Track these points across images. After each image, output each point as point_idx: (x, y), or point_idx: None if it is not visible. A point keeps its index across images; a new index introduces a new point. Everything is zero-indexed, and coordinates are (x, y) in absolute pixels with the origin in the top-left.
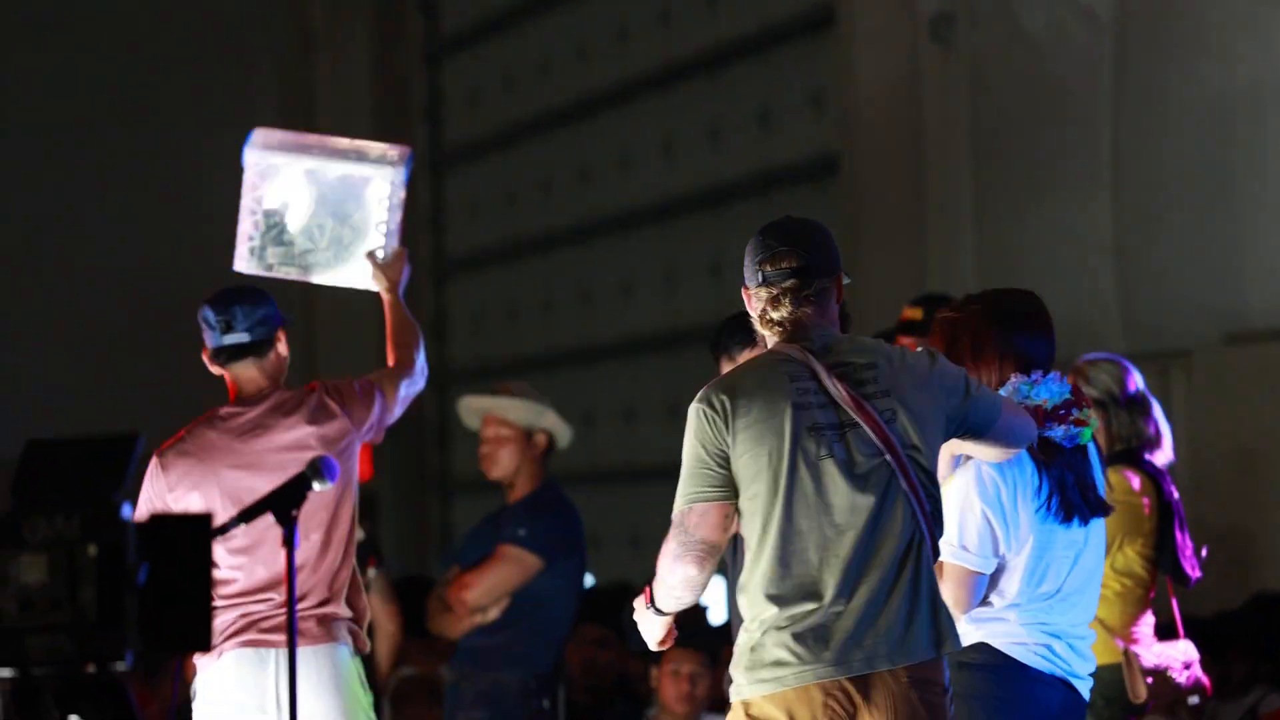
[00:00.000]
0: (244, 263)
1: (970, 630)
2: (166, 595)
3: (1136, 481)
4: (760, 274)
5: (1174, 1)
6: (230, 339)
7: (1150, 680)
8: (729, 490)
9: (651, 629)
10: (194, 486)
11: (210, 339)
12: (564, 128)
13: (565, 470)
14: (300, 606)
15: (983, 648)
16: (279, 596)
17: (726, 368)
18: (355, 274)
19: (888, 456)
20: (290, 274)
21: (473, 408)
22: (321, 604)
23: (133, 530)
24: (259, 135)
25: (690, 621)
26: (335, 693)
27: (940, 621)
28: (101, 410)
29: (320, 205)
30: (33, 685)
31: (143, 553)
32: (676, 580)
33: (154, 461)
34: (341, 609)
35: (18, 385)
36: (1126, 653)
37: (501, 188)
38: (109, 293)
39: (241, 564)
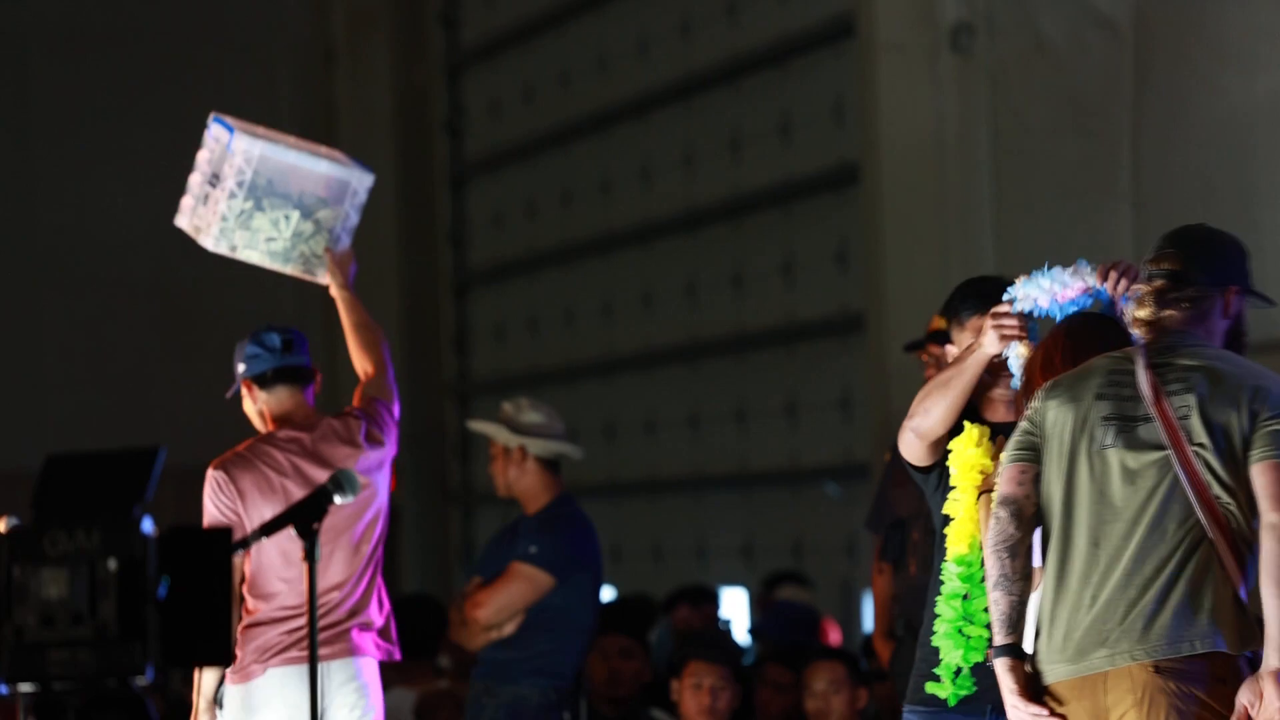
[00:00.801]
0: (211, 241)
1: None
2: (187, 609)
3: None
4: (1143, 271)
5: (1194, 12)
6: (291, 360)
7: None
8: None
9: None
10: (265, 501)
11: (265, 362)
12: (584, 140)
13: (586, 482)
14: (352, 620)
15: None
16: (328, 610)
17: (955, 333)
18: (309, 267)
19: (1171, 452)
20: (250, 258)
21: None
22: (368, 616)
23: (153, 544)
24: (239, 124)
25: (711, 635)
26: (380, 706)
27: (1207, 618)
28: (125, 424)
29: (290, 198)
30: (54, 700)
31: (163, 566)
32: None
33: (217, 475)
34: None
35: (42, 399)
36: None
37: (522, 200)
38: (134, 306)
39: (291, 578)
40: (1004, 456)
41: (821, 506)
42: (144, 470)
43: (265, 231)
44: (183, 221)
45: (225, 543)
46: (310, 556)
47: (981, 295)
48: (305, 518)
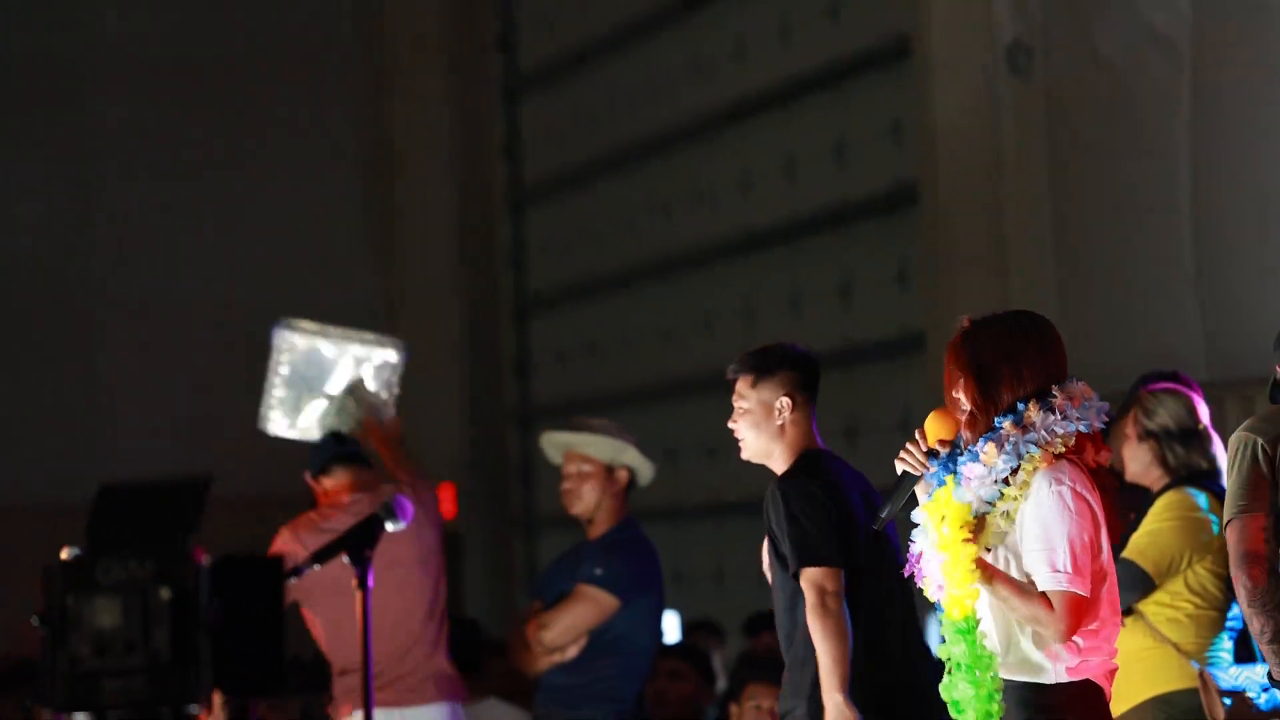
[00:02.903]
0: (274, 425)
1: (1069, 664)
2: (240, 637)
3: (1204, 499)
4: None
5: (1252, 28)
6: (347, 449)
7: (1229, 703)
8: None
9: None
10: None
11: (325, 453)
12: (642, 163)
13: (648, 506)
14: (428, 665)
15: (1088, 684)
16: (405, 657)
17: None
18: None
19: None
20: (310, 435)
21: (554, 442)
22: (439, 660)
23: (206, 572)
24: (292, 324)
25: (770, 657)
26: None
27: None
28: (186, 454)
29: (335, 380)
30: None
31: (216, 594)
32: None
33: (286, 535)
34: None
35: (103, 430)
36: (1202, 675)
37: (581, 224)
38: (194, 335)
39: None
40: (1232, 507)
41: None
42: (196, 499)
43: (318, 411)
44: (262, 416)
45: (277, 571)
46: (362, 584)
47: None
48: (358, 544)
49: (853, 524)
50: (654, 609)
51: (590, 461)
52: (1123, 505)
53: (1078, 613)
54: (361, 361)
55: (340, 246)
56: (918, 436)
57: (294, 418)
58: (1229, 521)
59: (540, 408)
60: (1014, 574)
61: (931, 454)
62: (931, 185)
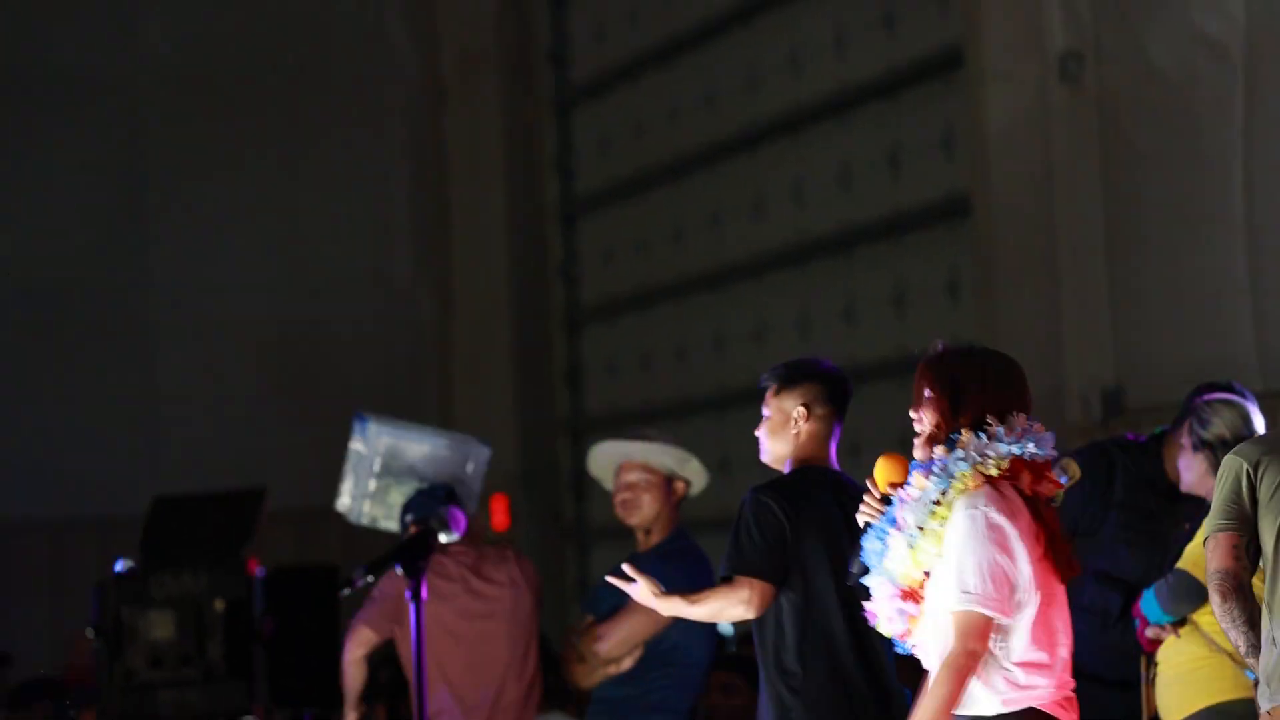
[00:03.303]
0: (355, 515)
1: (1005, 694)
2: (294, 649)
3: None
4: None
5: None
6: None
7: None
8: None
9: None
10: (436, 601)
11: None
12: (694, 174)
13: (700, 517)
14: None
15: (1030, 712)
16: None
17: None
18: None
19: None
20: (389, 526)
21: (612, 452)
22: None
23: (260, 584)
24: (375, 419)
25: None
26: None
27: None
28: (241, 469)
29: (417, 476)
30: None
31: (269, 607)
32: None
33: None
34: None
35: (159, 445)
36: (1258, 684)
37: (633, 236)
38: (249, 351)
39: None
40: (1210, 524)
41: None
42: (249, 511)
43: (399, 504)
44: (339, 504)
45: (331, 583)
46: (415, 596)
47: None
48: (411, 556)
49: (814, 544)
50: (709, 623)
51: (652, 471)
52: (1177, 515)
53: (983, 633)
54: (451, 459)
55: (393, 260)
56: (869, 485)
57: (373, 510)
58: (1205, 538)
59: (592, 419)
60: (941, 595)
61: (885, 500)
62: (984, 195)
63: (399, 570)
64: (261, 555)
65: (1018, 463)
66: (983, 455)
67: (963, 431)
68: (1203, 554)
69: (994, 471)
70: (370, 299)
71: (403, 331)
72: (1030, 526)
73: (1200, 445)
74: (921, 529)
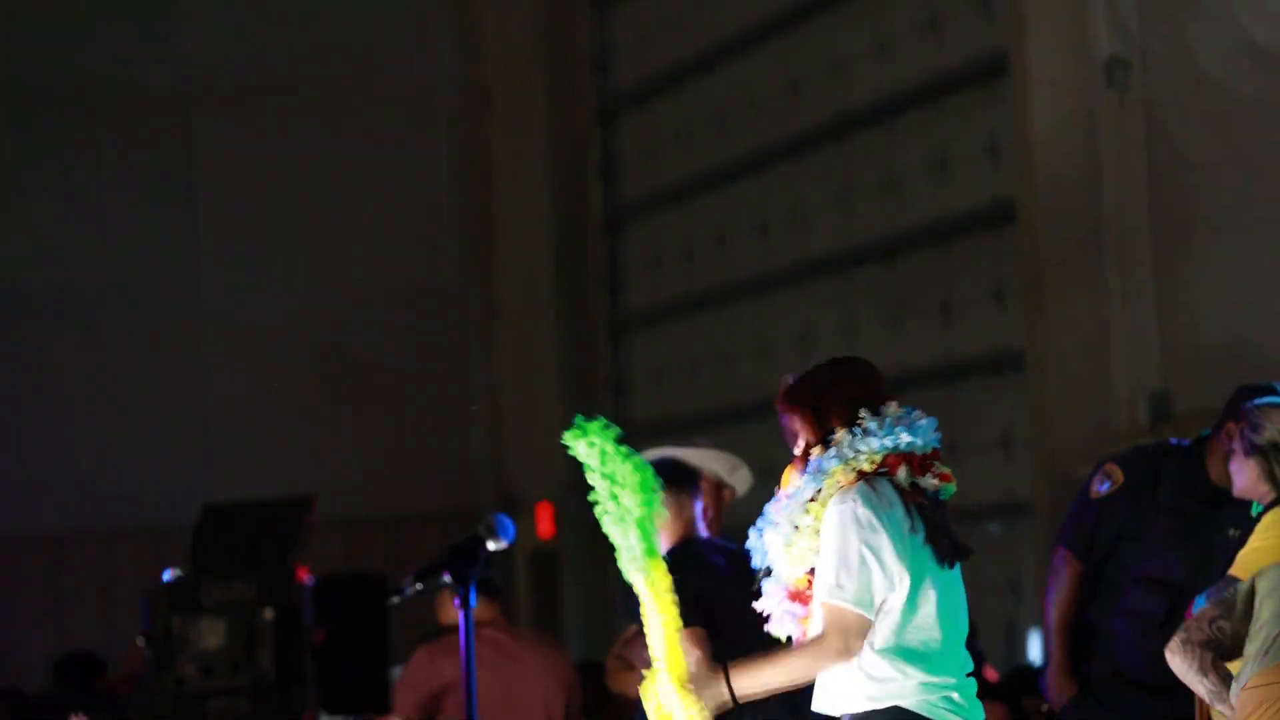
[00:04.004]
0: None
1: (869, 690)
2: (343, 656)
3: None
4: None
5: None
6: (487, 573)
7: None
8: None
9: None
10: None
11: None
12: (739, 181)
13: (746, 522)
14: None
15: (895, 711)
16: None
17: None
18: None
19: None
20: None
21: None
22: None
23: (309, 592)
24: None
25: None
26: None
27: None
28: (291, 477)
29: None
30: None
31: (319, 615)
32: None
33: (420, 655)
34: None
35: (208, 454)
36: None
37: (678, 243)
38: (299, 359)
39: None
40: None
41: (984, 546)
42: (298, 519)
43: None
44: None
45: (380, 590)
46: (465, 604)
47: None
48: (460, 563)
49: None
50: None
51: (703, 478)
52: (1220, 519)
53: (859, 631)
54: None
55: (438, 267)
56: (777, 490)
57: None
58: None
59: (637, 426)
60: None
61: None
62: (1029, 202)
63: (446, 578)
64: (309, 563)
65: (892, 457)
66: (855, 451)
67: (837, 430)
68: (1255, 559)
69: (867, 467)
70: (416, 307)
71: (448, 339)
72: (905, 519)
73: (1253, 450)
74: (796, 527)
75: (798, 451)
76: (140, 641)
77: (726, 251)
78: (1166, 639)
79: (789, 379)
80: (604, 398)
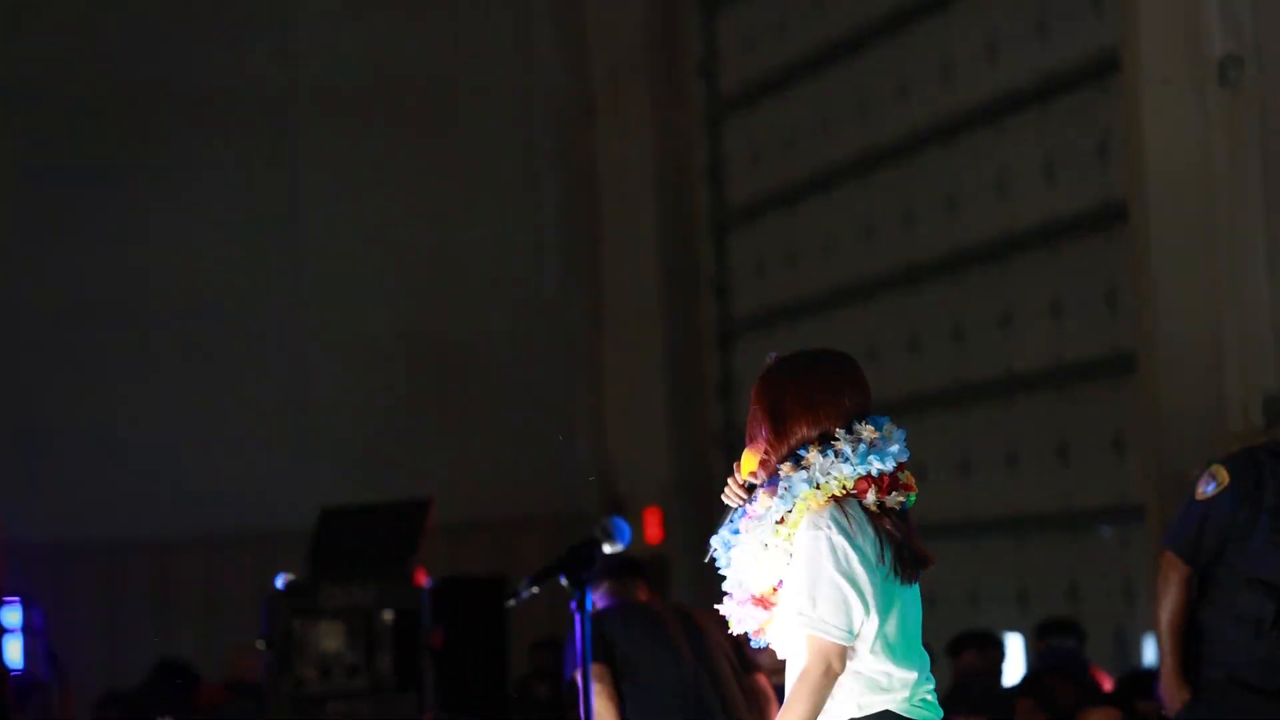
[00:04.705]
0: None
1: (861, 700)
2: (462, 659)
3: None
4: None
5: None
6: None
7: None
8: None
9: None
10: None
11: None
12: (845, 184)
13: None
14: None
15: (886, 715)
16: None
17: None
18: None
19: None
20: None
21: None
22: None
23: (428, 595)
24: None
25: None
26: None
27: None
28: (394, 480)
29: None
30: None
31: (438, 617)
32: None
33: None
34: None
35: (312, 458)
36: None
37: (784, 246)
38: (395, 359)
39: None
40: None
41: (1095, 549)
42: (416, 522)
43: None
44: None
45: (498, 593)
46: (581, 607)
47: None
48: (575, 567)
49: None
50: None
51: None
52: None
53: (839, 654)
54: None
55: (542, 272)
56: (735, 470)
57: None
58: None
59: (745, 431)
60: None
61: (749, 488)
62: (1141, 202)
63: (563, 581)
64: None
65: (861, 481)
66: (826, 475)
67: (810, 448)
68: None
69: (838, 492)
70: (520, 312)
71: (553, 344)
72: (875, 543)
73: None
74: (765, 545)
75: (756, 452)
76: (260, 644)
77: (833, 255)
78: (1277, 642)
79: (772, 357)
80: (711, 403)
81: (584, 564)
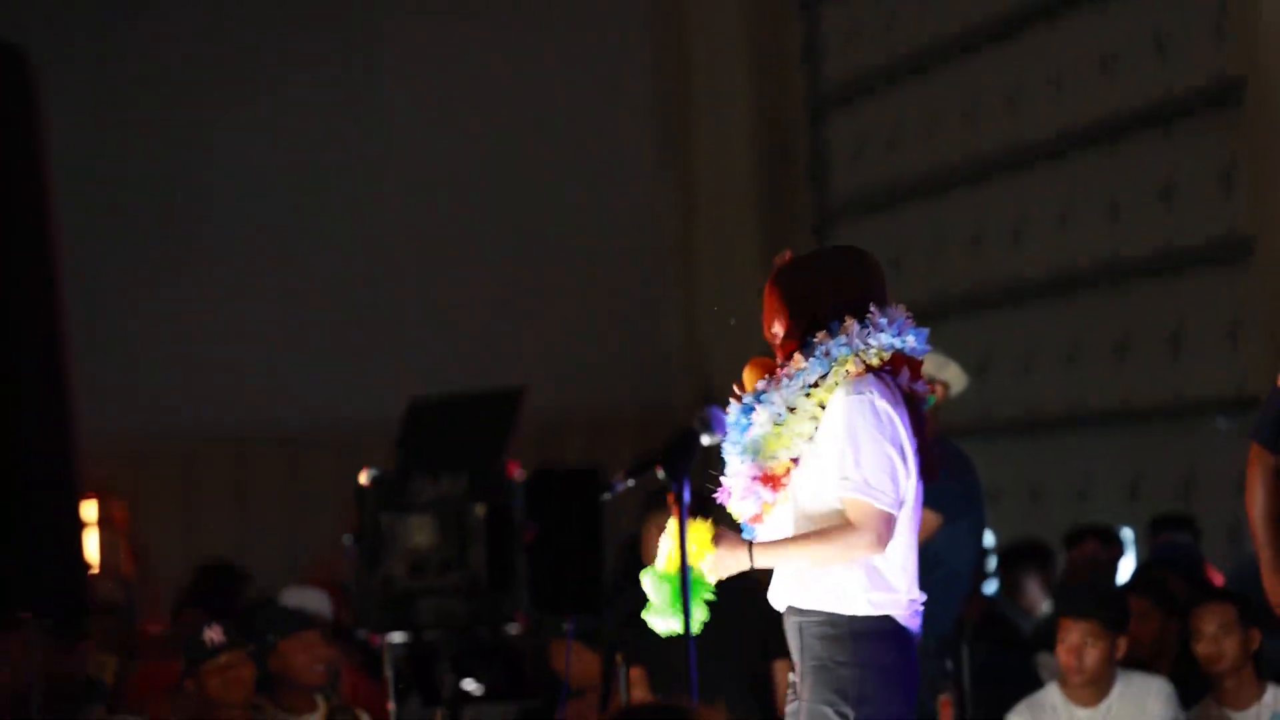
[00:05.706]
0: None
1: (874, 596)
2: (557, 555)
3: None
4: None
5: None
6: None
7: None
8: None
9: None
10: None
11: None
12: (947, 66)
13: (957, 423)
14: None
15: (887, 620)
16: None
17: None
18: None
19: None
20: None
21: None
22: None
23: (521, 488)
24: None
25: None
26: None
27: None
28: (485, 371)
29: None
30: (426, 649)
31: (531, 511)
32: None
33: None
34: None
35: (402, 349)
36: None
37: (883, 130)
38: (484, 249)
39: None
40: None
41: (1212, 442)
42: (508, 412)
43: None
44: None
45: (593, 486)
46: (679, 499)
47: None
48: (674, 458)
49: None
50: (975, 529)
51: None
52: None
53: (888, 526)
54: None
55: (633, 153)
56: (736, 389)
57: None
58: None
59: None
60: (815, 480)
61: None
62: (1259, 79)
63: (660, 474)
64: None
65: (898, 356)
66: (865, 343)
67: (845, 318)
68: None
69: (875, 361)
70: (609, 192)
71: (643, 231)
72: (908, 422)
73: None
74: (792, 409)
75: (776, 342)
76: (347, 539)
77: (935, 137)
78: None
79: (785, 255)
80: None
81: (684, 455)
